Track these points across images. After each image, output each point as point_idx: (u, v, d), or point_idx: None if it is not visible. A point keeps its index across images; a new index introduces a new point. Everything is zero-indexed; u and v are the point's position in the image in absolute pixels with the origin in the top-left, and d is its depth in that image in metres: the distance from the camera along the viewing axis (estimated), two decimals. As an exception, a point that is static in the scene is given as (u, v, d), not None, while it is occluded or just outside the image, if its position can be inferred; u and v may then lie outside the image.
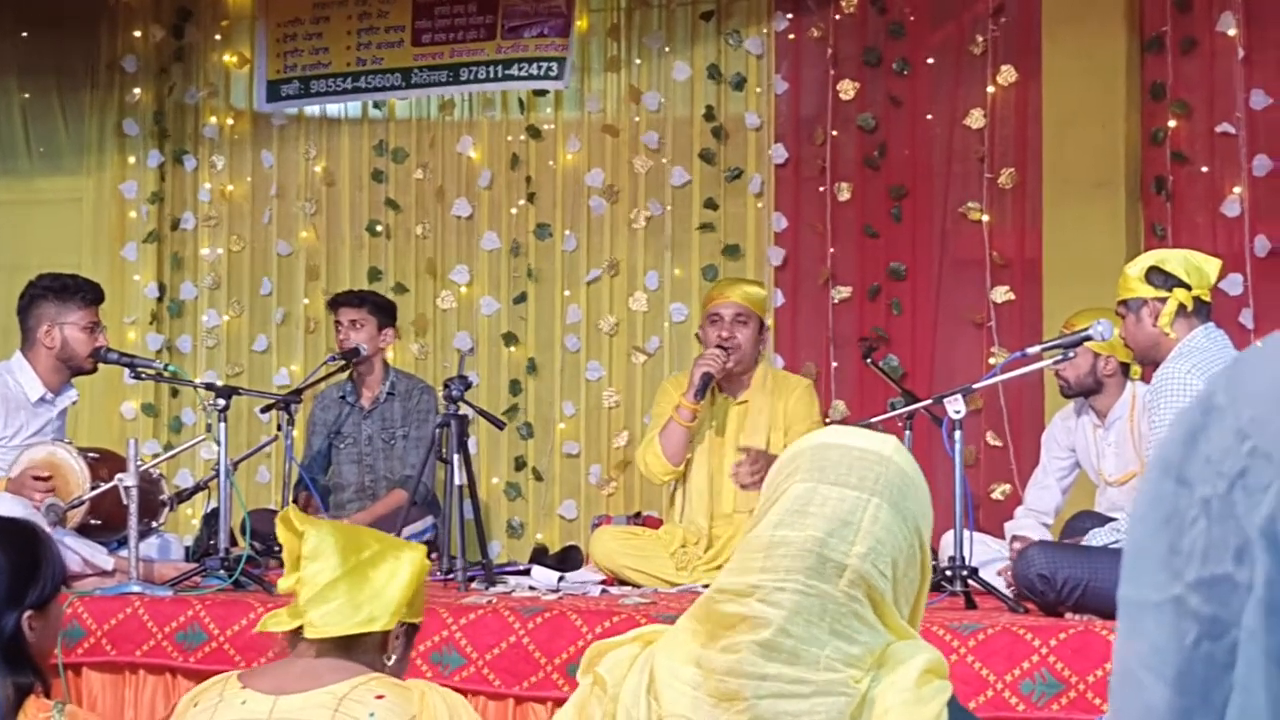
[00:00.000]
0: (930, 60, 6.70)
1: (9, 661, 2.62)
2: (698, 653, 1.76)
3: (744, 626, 1.73)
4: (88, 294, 5.27)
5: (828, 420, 6.36)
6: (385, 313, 6.37)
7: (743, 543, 1.81)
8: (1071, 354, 4.86)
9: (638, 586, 5.14)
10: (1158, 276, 4.38)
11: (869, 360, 5.98)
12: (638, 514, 6.62)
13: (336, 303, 6.42)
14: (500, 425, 5.95)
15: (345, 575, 2.48)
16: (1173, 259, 4.43)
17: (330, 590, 2.47)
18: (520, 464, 7.20)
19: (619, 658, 1.83)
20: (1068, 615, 4.14)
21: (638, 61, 7.13)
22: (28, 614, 2.71)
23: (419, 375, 6.73)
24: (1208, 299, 4.40)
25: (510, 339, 7.24)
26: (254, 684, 2.47)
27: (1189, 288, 4.35)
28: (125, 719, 4.61)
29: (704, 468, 5.44)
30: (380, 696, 2.43)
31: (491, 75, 7.15)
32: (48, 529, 4.65)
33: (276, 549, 5.46)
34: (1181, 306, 4.34)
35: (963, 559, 4.46)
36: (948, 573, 4.49)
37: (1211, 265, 4.44)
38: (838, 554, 1.72)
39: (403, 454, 6.27)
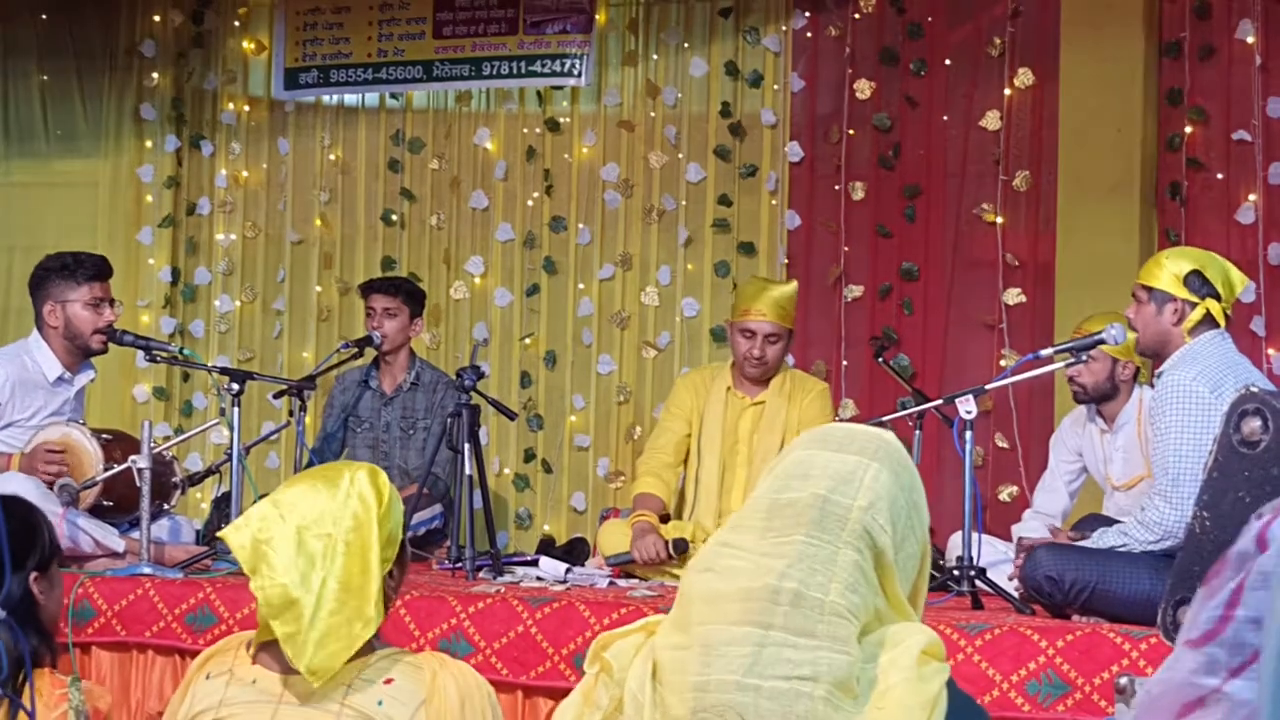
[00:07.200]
0: (947, 61, 6.71)
1: (22, 624, 2.67)
2: (691, 621, 1.78)
3: (744, 578, 1.76)
4: (88, 269, 5.15)
5: (837, 420, 6.39)
6: (416, 302, 6.36)
7: (745, 504, 1.84)
8: (1084, 357, 4.85)
9: (645, 580, 5.16)
10: (1196, 281, 4.33)
11: (880, 359, 5.99)
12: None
13: (370, 289, 6.37)
14: (512, 416, 5.97)
15: (318, 617, 2.38)
16: (1213, 268, 4.37)
17: (313, 636, 2.37)
18: (530, 455, 7.22)
19: (624, 646, 1.85)
20: (1075, 617, 4.15)
21: (655, 57, 7.15)
22: (33, 575, 2.81)
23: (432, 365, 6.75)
24: (1230, 313, 4.40)
25: (524, 330, 7.26)
26: (264, 660, 2.45)
27: (1220, 299, 4.34)
28: (133, 699, 4.64)
29: (715, 466, 5.45)
30: (389, 680, 2.40)
31: (514, 71, 7.18)
32: (61, 509, 4.70)
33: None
34: (1207, 314, 4.33)
35: (970, 559, 4.47)
36: (955, 573, 4.51)
37: (1241, 281, 4.44)
38: (840, 506, 1.77)
39: (421, 445, 6.26)
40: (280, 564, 2.38)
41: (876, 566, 1.77)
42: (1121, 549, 4.19)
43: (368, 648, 2.43)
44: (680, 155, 7.07)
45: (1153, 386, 4.48)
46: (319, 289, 7.63)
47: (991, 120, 6.56)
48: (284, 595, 2.37)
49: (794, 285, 5.76)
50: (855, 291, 6.75)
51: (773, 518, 1.78)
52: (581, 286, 7.20)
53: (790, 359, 6.36)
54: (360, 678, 2.40)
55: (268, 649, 2.45)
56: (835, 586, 1.73)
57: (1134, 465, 5.12)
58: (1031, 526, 5.25)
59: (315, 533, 2.40)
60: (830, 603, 1.73)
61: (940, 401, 4.84)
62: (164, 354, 5.43)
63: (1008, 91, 6.56)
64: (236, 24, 7.81)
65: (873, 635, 1.77)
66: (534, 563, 5.35)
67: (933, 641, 1.78)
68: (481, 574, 4.99)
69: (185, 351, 5.51)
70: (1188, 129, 6.33)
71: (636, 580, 5.12)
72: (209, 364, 5.96)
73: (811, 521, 1.76)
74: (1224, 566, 1.40)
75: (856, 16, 6.79)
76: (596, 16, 7.12)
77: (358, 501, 2.43)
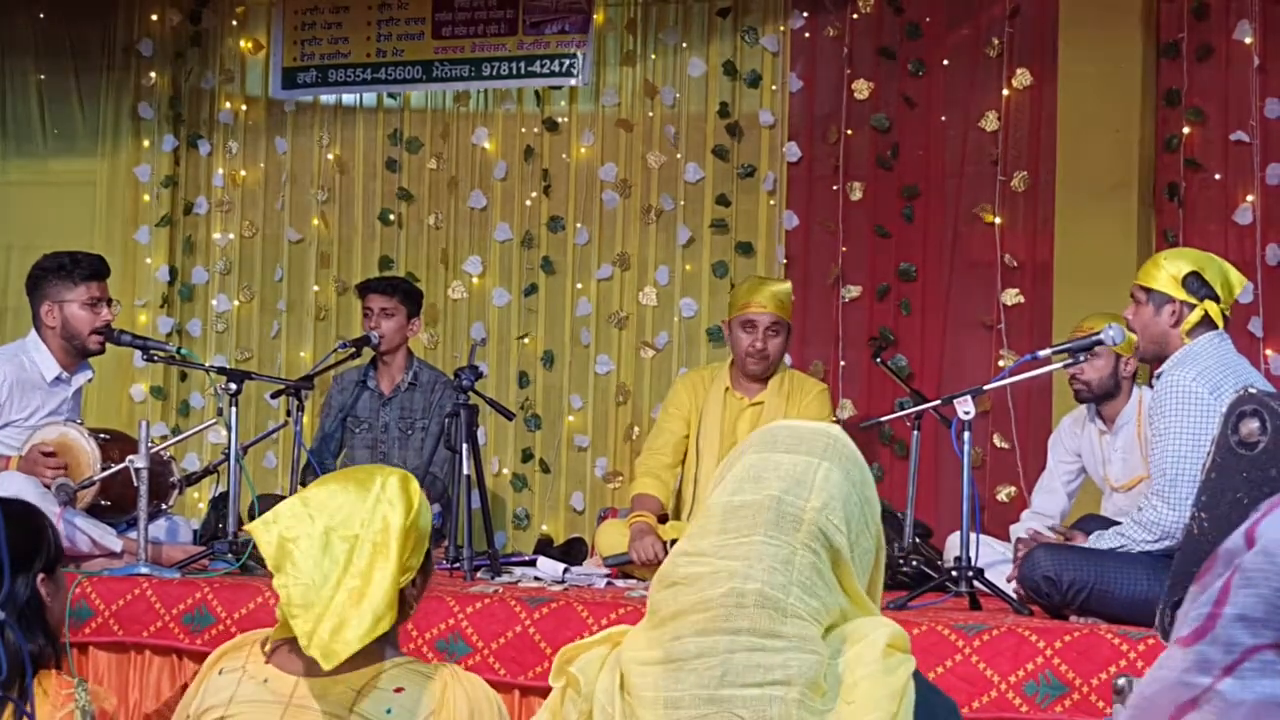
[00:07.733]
0: (946, 61, 6.71)
1: (30, 625, 2.69)
2: (662, 636, 1.77)
3: (707, 584, 1.75)
4: (85, 269, 5.14)
5: (835, 421, 6.38)
6: (414, 302, 6.35)
7: (701, 512, 1.84)
8: (1082, 358, 4.85)
9: (643, 580, 5.16)
10: (1194, 283, 4.32)
11: (878, 359, 5.99)
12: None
13: (368, 289, 6.35)
14: (510, 416, 5.96)
15: (337, 603, 2.36)
16: (1211, 269, 4.36)
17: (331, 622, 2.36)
18: (528, 455, 7.22)
19: (589, 659, 1.84)
20: (1072, 618, 4.15)
21: (653, 57, 7.15)
22: (40, 577, 2.82)
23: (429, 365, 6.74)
24: (1229, 314, 4.40)
25: (522, 330, 7.26)
26: (277, 660, 2.44)
27: (1218, 300, 4.33)
28: (130, 699, 4.63)
29: (713, 466, 5.44)
30: (400, 690, 2.39)
31: (514, 71, 7.19)
32: (58, 509, 4.70)
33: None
34: (1205, 315, 4.32)
35: (969, 560, 4.47)
36: (953, 573, 4.51)
37: (1239, 282, 4.43)
38: (794, 508, 1.77)
39: (420, 445, 6.25)
40: (305, 563, 2.38)
41: (834, 565, 1.78)
42: (1119, 549, 4.19)
43: (381, 654, 2.42)
44: (678, 155, 7.07)
45: (1151, 387, 4.47)
46: (316, 288, 7.62)
47: (990, 121, 6.56)
48: (306, 595, 2.37)
49: (790, 284, 5.80)
50: (853, 292, 6.75)
51: (728, 520, 1.78)
52: (579, 286, 7.19)
53: (788, 359, 6.37)
54: (372, 685, 2.39)
55: (285, 648, 2.45)
56: (795, 590, 1.74)
57: (1133, 466, 5.12)
58: (1029, 527, 5.25)
59: (342, 534, 2.40)
60: (790, 605, 1.73)
61: (938, 402, 4.83)
62: (161, 353, 5.43)
63: (1006, 92, 6.56)
64: (234, 23, 7.81)
65: (835, 631, 1.77)
66: (532, 563, 5.35)
67: (896, 634, 1.78)
68: (479, 574, 4.99)
69: (183, 351, 5.51)
70: (1185, 130, 6.33)
71: (634, 581, 5.11)
72: (206, 364, 5.95)
73: (768, 522, 1.76)
74: (1214, 563, 1.40)
75: (855, 17, 6.78)
76: (595, 16, 7.12)
77: (388, 505, 2.42)
